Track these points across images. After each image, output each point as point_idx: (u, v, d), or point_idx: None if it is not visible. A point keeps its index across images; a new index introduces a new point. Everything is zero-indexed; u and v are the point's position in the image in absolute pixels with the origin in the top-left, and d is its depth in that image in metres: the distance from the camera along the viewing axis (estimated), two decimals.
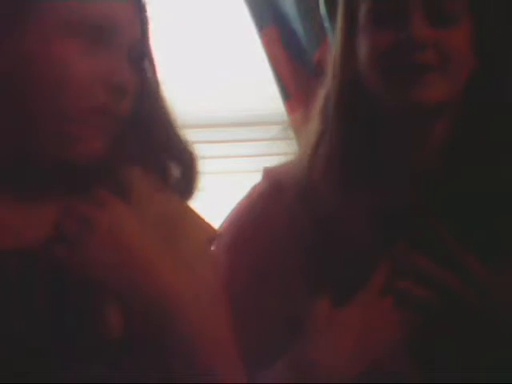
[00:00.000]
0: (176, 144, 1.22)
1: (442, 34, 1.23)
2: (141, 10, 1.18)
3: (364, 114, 1.29)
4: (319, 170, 1.30)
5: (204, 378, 1.11)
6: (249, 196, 1.38)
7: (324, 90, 1.35)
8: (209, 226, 1.24)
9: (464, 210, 1.24)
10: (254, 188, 1.38)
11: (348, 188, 1.28)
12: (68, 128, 1.09)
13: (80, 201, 1.11)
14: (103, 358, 1.08)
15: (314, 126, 1.35)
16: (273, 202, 1.33)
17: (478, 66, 1.26)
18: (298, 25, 2.20)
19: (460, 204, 1.24)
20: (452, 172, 1.26)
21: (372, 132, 1.29)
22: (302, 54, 2.21)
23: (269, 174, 1.38)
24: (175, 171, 1.22)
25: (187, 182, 1.23)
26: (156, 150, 1.20)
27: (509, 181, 1.26)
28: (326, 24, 2.11)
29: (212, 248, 1.24)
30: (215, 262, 1.24)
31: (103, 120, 1.10)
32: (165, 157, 1.21)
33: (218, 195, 2.32)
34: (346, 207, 1.27)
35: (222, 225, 1.36)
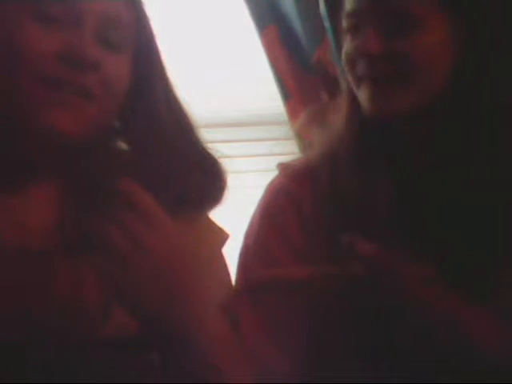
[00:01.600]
0: (198, 152, 1.22)
1: (397, 44, 1.22)
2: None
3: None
4: (337, 161, 1.31)
5: (211, 378, 1.11)
6: (268, 193, 1.38)
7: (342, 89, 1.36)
8: (220, 229, 1.23)
9: (451, 207, 1.25)
10: (272, 185, 1.38)
11: (363, 175, 1.29)
12: (23, 99, 1.08)
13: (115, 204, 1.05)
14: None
15: (331, 124, 1.35)
16: (292, 195, 1.33)
17: (462, 64, 1.26)
18: (297, 25, 2.20)
19: (448, 203, 1.25)
20: (438, 173, 1.26)
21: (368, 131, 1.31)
22: (302, 53, 2.22)
23: (284, 168, 1.38)
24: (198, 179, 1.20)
25: (213, 192, 1.22)
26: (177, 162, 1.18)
27: (497, 180, 1.25)
28: (326, 24, 2.12)
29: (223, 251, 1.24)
30: (227, 265, 1.24)
31: (65, 95, 1.08)
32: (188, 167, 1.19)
33: None
34: (362, 192, 1.28)
35: (248, 226, 1.37)
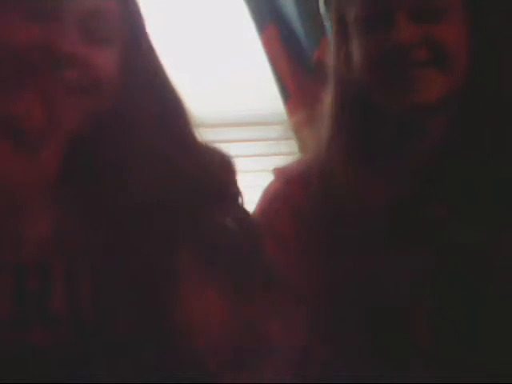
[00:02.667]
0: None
1: (429, 29, 1.23)
2: None
3: (365, 112, 1.29)
4: (332, 164, 1.30)
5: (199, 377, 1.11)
6: (265, 198, 1.38)
7: (329, 90, 1.35)
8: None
9: (462, 203, 1.24)
10: (268, 190, 1.38)
11: (360, 179, 1.28)
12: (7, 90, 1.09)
13: None
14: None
15: (322, 125, 1.35)
16: (289, 199, 1.33)
17: (476, 62, 1.26)
18: (297, 25, 2.20)
19: (459, 197, 1.25)
20: (451, 167, 1.26)
21: (375, 129, 1.30)
22: (302, 53, 2.21)
23: (280, 173, 1.38)
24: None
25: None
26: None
27: (508, 178, 1.25)
28: (326, 24, 2.12)
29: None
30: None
31: (60, 92, 1.09)
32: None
33: None
34: (359, 196, 1.28)
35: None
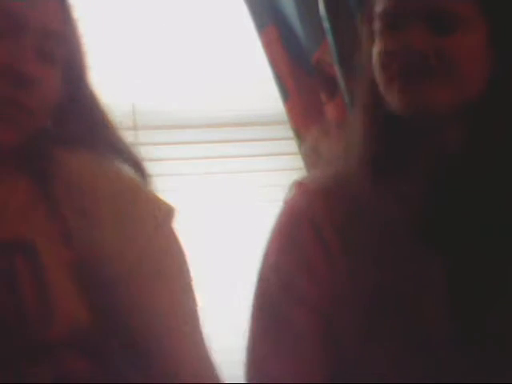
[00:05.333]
0: (119, 143, 1.25)
1: (442, 41, 1.23)
2: (63, 1, 1.19)
3: (385, 116, 1.29)
4: (354, 176, 1.30)
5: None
6: (288, 216, 1.34)
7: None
8: (164, 203, 1.23)
9: (479, 211, 1.24)
10: (288, 204, 1.35)
11: (381, 186, 1.28)
12: None
13: None
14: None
15: (347, 135, 1.35)
16: (314, 220, 1.30)
17: (495, 72, 1.26)
18: (297, 25, 2.20)
19: (476, 205, 1.24)
20: (468, 178, 1.26)
21: (395, 133, 1.30)
22: (302, 53, 2.21)
23: (302, 189, 1.34)
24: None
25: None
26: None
27: None
28: (325, 24, 2.13)
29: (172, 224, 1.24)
30: (175, 237, 1.24)
31: (6, 109, 1.10)
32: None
33: (219, 195, 2.33)
34: (380, 203, 1.27)
35: (266, 246, 1.33)
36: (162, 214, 1.21)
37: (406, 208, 1.26)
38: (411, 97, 1.24)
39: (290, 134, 2.26)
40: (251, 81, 2.39)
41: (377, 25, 1.28)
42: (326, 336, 1.27)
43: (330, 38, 2.11)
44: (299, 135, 2.23)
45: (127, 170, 1.24)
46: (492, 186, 1.25)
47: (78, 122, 1.21)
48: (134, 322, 1.16)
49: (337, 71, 2.13)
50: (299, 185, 1.35)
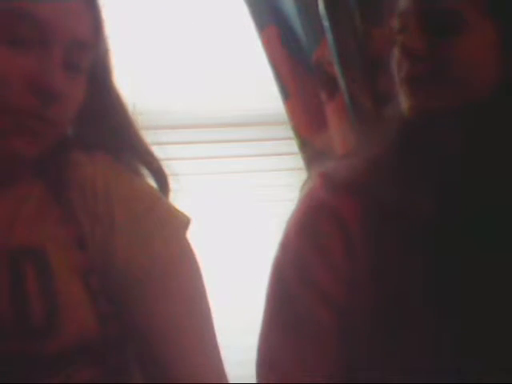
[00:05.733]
0: (141, 148, 1.24)
1: (447, 42, 1.22)
2: (94, 9, 1.17)
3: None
4: (380, 171, 1.28)
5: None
6: (308, 207, 1.30)
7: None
8: (179, 211, 1.23)
9: (483, 217, 1.23)
10: (311, 198, 1.31)
11: (407, 185, 1.26)
12: None
13: None
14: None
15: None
16: (337, 212, 1.27)
17: (505, 71, 1.25)
18: (297, 25, 2.21)
19: (480, 211, 1.24)
20: (473, 181, 1.25)
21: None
22: (302, 53, 2.22)
23: (324, 179, 1.30)
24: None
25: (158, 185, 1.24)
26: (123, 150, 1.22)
27: None
28: (325, 23, 2.13)
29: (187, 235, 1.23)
30: (189, 244, 1.23)
31: (31, 123, 1.09)
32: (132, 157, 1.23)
33: (219, 195, 2.33)
34: (406, 204, 1.24)
35: (283, 237, 1.30)
36: (178, 222, 1.21)
37: (419, 213, 1.25)
38: (414, 98, 1.24)
39: (290, 133, 2.26)
40: (251, 81, 2.39)
41: (396, 25, 1.28)
42: (343, 331, 1.26)
43: (329, 36, 2.12)
44: (299, 135, 2.23)
45: (145, 176, 1.24)
46: (492, 186, 1.25)
47: (101, 126, 1.20)
48: (148, 328, 1.16)
49: (337, 70, 2.13)
50: (321, 176, 1.31)
